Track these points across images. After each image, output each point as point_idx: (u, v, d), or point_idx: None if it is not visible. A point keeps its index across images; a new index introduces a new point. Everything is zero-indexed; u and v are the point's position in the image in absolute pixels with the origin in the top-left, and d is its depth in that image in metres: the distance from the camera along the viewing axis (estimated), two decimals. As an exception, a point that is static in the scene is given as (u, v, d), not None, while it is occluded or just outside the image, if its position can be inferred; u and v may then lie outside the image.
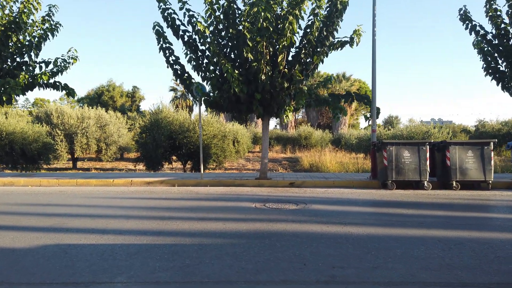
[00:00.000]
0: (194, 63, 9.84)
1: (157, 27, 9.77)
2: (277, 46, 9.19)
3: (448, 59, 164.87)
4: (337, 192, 8.75)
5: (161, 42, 9.86)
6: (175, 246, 4.24)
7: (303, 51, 9.16)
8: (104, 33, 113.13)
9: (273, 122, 71.70)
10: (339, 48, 9.58)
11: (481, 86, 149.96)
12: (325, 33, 9.09)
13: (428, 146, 8.99)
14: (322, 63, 9.45)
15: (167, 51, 9.94)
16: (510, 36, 9.77)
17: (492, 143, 8.91)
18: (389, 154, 8.97)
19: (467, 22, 10.23)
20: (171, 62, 10.07)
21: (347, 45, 9.42)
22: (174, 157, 16.60)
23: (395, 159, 8.97)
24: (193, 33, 9.70)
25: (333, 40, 9.36)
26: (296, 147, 30.36)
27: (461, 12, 10.27)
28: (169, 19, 9.74)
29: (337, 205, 7.06)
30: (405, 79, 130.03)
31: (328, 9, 9.23)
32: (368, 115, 10.17)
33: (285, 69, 9.39)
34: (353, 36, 9.42)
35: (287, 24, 8.56)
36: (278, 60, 9.08)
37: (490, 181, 8.89)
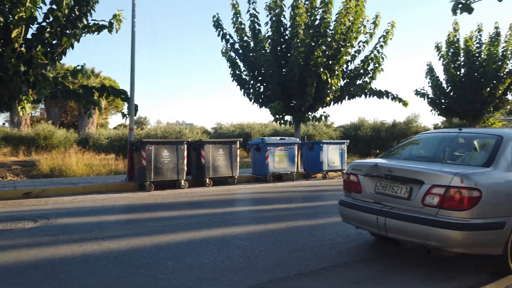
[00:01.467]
0: None
1: None
2: (11, 18, 7.00)
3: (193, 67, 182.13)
4: (88, 199, 7.51)
5: None
6: None
7: (48, 29, 7.32)
8: None
9: (0, 119, 58.04)
10: (96, 32, 8.23)
11: (220, 92, 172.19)
12: (77, 13, 7.59)
13: (186, 145, 9.08)
14: (73, 48, 7.89)
15: None
16: (251, 48, 11.23)
17: (238, 142, 9.96)
18: (148, 154, 8.48)
19: (219, 29, 11.07)
20: None
21: (105, 31, 8.24)
22: None
23: (154, 159, 8.57)
24: None
25: (87, 22, 7.97)
26: (33, 149, 25.45)
27: (215, 19, 11.03)
28: None
29: (90, 216, 5.95)
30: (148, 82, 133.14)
31: (80, -15, 7.78)
32: (126, 112, 9.34)
33: (22, 49, 7.29)
34: (112, 21, 8.32)
35: (24, -10, 6.57)
36: (12, 36, 6.90)
37: (236, 176, 9.91)
